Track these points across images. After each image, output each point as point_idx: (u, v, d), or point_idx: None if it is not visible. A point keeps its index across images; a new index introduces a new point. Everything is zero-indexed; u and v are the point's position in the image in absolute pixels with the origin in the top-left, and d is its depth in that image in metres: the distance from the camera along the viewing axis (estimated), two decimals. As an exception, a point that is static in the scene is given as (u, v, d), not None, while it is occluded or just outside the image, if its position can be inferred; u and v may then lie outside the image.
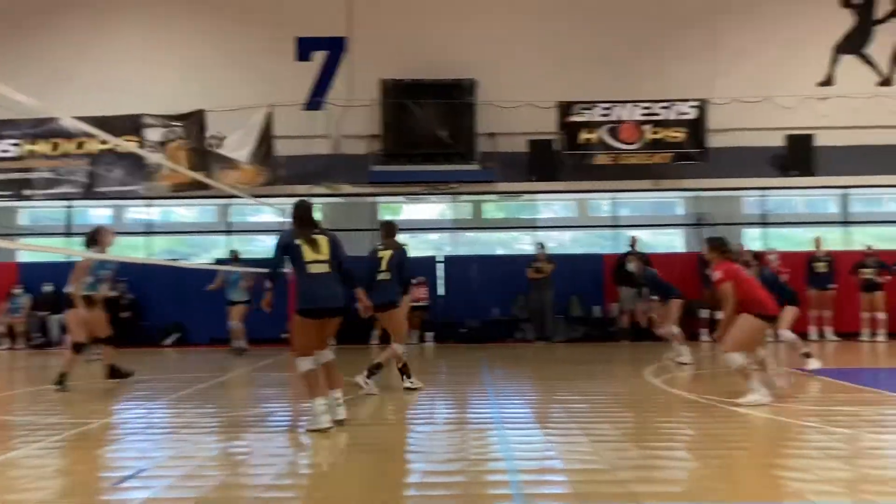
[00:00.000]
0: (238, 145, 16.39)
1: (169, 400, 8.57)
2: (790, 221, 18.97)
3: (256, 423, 7.04)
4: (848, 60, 17.91)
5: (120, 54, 18.03)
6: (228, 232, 18.28)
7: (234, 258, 15.07)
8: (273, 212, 16.52)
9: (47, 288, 16.66)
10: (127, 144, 14.32)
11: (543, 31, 17.85)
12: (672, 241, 18.95)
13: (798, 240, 18.06)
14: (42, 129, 16.86)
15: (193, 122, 17.07)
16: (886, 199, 19.16)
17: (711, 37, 17.74)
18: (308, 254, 6.58)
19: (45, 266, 17.17)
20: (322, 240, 6.69)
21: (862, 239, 17.18)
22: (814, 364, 9.50)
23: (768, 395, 7.47)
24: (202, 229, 18.78)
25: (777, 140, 17.06)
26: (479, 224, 18.69)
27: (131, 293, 16.89)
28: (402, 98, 17.05)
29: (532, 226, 18.00)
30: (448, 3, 18.06)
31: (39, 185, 16.93)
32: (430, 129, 16.96)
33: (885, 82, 17.80)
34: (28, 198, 17.08)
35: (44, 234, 18.85)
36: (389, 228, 9.47)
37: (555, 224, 19.38)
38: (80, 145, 17.07)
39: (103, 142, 16.38)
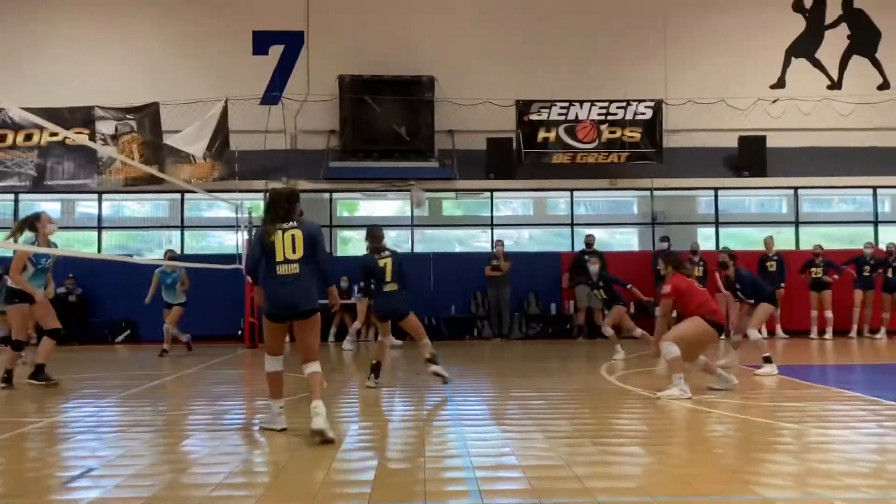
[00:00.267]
0: (193, 139, 16.14)
1: (119, 398, 8.40)
2: (742, 221, 19.35)
3: (209, 421, 6.94)
4: (799, 64, 18.32)
5: (72, 45, 17.66)
6: (182, 227, 17.99)
7: (170, 258, 13.82)
8: (228, 207, 16.31)
9: (-7, 283, 16.21)
10: (78, 137, 14.02)
11: (502, 29, 17.93)
12: (628, 240, 19.18)
13: (750, 239, 18.41)
14: (-12, 119, 16.44)
15: (147, 115, 16.77)
16: (836, 199, 19.63)
17: (666, 39, 17.99)
18: (279, 252, 5.97)
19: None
20: (297, 235, 6.01)
21: (812, 239, 17.59)
22: (767, 370, 9.56)
23: (689, 394, 7.62)
24: (155, 224, 18.46)
25: (730, 141, 17.40)
26: (438, 221, 18.70)
27: (80, 289, 16.52)
28: (360, 94, 16.98)
29: (490, 223, 18.06)
30: (407, 0, 18.04)
31: (-15, 177, 16.51)
32: (388, 125, 16.92)
33: (835, 86, 18.24)
34: (-27, 191, 16.63)
35: (-11, 227, 18.38)
36: (380, 234, 8.96)
37: (512, 222, 19.48)
38: (28, 137, 16.67)
39: (53, 134, 16.03)
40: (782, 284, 15.80)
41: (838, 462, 5.15)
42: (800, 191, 18.08)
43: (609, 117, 17.02)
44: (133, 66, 17.51)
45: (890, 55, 18.21)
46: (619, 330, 12.14)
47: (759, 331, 9.98)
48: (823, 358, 12.54)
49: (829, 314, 15.67)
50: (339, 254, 18.06)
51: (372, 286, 8.83)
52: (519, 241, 19.32)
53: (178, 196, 17.62)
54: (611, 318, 12.07)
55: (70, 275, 16.15)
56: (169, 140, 16.33)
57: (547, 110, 17.00)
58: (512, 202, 19.52)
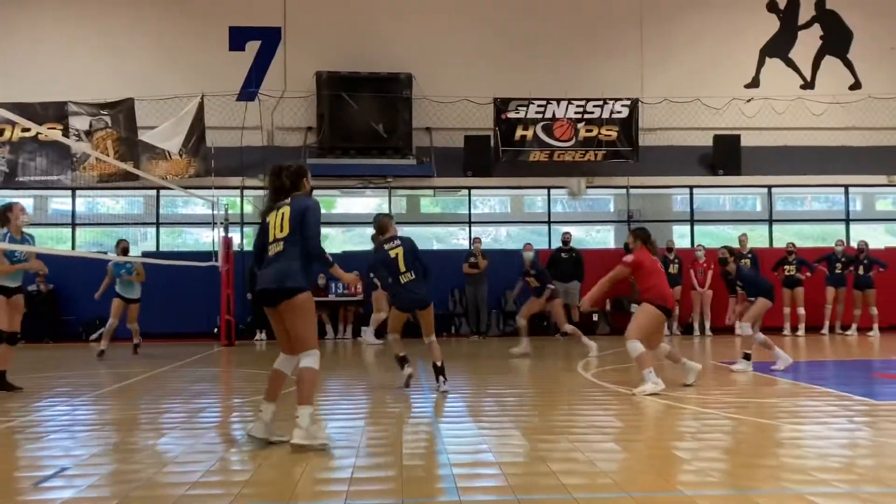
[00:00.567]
0: (169, 135, 16.01)
1: (94, 396, 8.32)
2: (717, 219, 19.56)
3: (185, 419, 6.89)
4: (773, 64, 18.53)
5: (45, 39, 17.44)
6: (157, 224, 17.84)
7: (123, 249, 12.77)
8: (204, 204, 16.19)
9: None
10: (51, 132, 13.84)
11: (480, 27, 17.96)
12: (604, 238, 19.30)
13: (724, 237, 18.61)
14: (-41, 114, 16.17)
15: (122, 110, 16.61)
16: (808, 198, 19.89)
17: (641, 38, 18.12)
18: (271, 232, 5.56)
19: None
20: (286, 212, 5.52)
21: (784, 236, 17.81)
22: (741, 367, 9.65)
23: (662, 385, 7.80)
24: (130, 221, 18.28)
25: (705, 140, 17.57)
26: (415, 219, 18.69)
27: (51, 285, 16.31)
28: (337, 91, 16.92)
29: (468, 221, 18.09)
30: (385, -3, 18.00)
31: (-44, 173, 16.26)
32: (366, 122, 16.88)
33: (808, 86, 18.47)
34: (-57, 186, 16.35)
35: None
36: (387, 223, 8.37)
37: (490, 219, 19.52)
38: (-1, 132, 16.44)
39: (25, 129, 15.82)
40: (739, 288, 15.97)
41: (810, 457, 5.22)
42: (773, 189, 18.29)
43: (586, 116, 17.11)
44: (108, 61, 17.32)
45: (861, 56, 18.47)
46: (560, 325, 12.41)
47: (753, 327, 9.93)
48: (796, 354, 12.69)
49: (801, 311, 15.87)
50: (316, 251, 17.98)
51: (390, 281, 8.37)
52: (496, 238, 19.37)
53: (153, 193, 17.47)
54: (526, 307, 12.49)
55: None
56: (144, 136, 16.19)
57: (524, 108, 17.05)
58: (489, 200, 19.57)
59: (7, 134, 16.42)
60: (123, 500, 4.27)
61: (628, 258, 8.33)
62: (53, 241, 17.29)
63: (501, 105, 17.01)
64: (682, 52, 18.16)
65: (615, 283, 8.47)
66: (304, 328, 5.46)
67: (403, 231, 18.65)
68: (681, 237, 18.13)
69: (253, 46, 17.64)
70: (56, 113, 16.36)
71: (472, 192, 17.99)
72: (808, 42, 18.57)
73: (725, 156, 17.44)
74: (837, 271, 16.09)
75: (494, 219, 19.71)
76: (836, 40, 18.53)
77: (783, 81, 18.33)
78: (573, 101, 17.08)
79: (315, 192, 16.83)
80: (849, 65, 18.55)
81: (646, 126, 17.55)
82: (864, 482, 4.59)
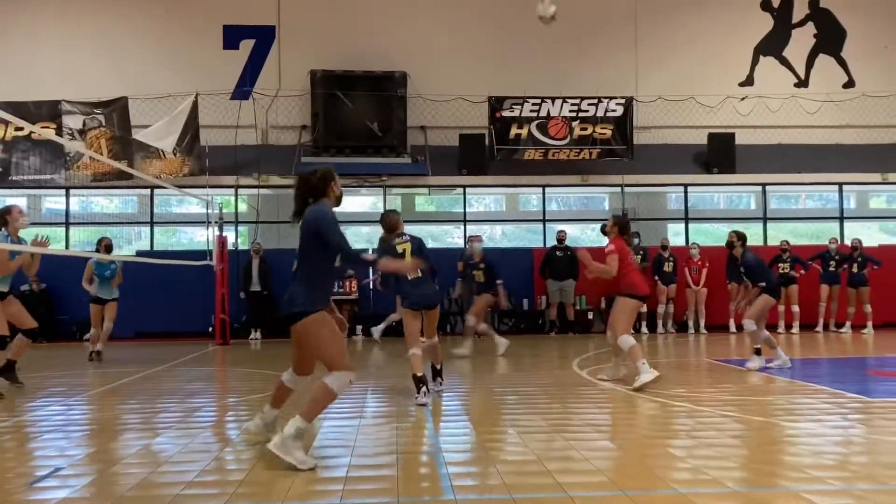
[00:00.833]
0: (163, 134, 15.96)
1: (88, 396, 8.30)
2: (711, 217, 19.59)
3: (180, 419, 6.88)
4: (767, 62, 18.56)
5: (38, 38, 17.37)
6: (152, 223, 17.80)
7: (106, 247, 11.99)
8: (199, 203, 16.16)
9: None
10: (44, 131, 13.78)
11: (475, 26, 17.95)
12: (599, 236, 19.27)
13: (718, 235, 18.64)
14: (-49, 113, 16.11)
15: (116, 109, 16.56)
16: (802, 196, 19.94)
17: (636, 36, 18.14)
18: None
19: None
20: (302, 225, 5.31)
21: (779, 234, 17.85)
22: (754, 364, 9.56)
23: (656, 372, 7.98)
24: (124, 220, 18.24)
25: (700, 138, 17.59)
26: (411, 217, 18.64)
27: (45, 285, 16.25)
28: (332, 89, 16.90)
29: (463, 219, 18.09)
30: (379, -5, 17.97)
31: (-51, 172, 16.20)
32: (360, 121, 16.86)
33: (802, 84, 18.51)
34: (-64, 186, 16.29)
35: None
36: (397, 220, 8.09)
37: (485, 218, 19.52)
38: (-8, 131, 16.38)
39: (18, 128, 15.76)
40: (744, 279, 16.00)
41: (804, 454, 5.24)
42: (767, 187, 18.33)
43: (581, 114, 17.12)
44: (101, 59, 17.27)
45: (855, 54, 18.52)
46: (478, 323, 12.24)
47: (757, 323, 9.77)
48: (790, 352, 12.71)
49: (795, 308, 15.91)
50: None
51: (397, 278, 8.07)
52: (491, 236, 19.38)
53: (147, 191, 17.43)
54: (476, 306, 12.26)
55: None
56: (138, 135, 16.15)
57: (519, 107, 17.05)
58: (484, 198, 19.58)
59: (0, 133, 16.36)
60: (118, 500, 4.27)
61: (611, 247, 8.45)
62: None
63: (496, 103, 17.01)
64: (677, 50, 18.19)
65: (612, 270, 8.42)
66: (323, 350, 5.10)
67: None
68: (675, 235, 18.16)
69: (247, 45, 17.60)
70: (49, 112, 16.30)
71: (467, 190, 17.99)
72: (801, 40, 18.61)
73: (720, 154, 17.47)
74: (831, 269, 16.13)
75: (489, 217, 19.71)
76: (830, 39, 18.58)
77: (777, 80, 18.37)
78: (568, 100, 17.09)
79: None
80: (842, 63, 18.60)
81: (640, 124, 17.57)
82: (858, 479, 4.60)
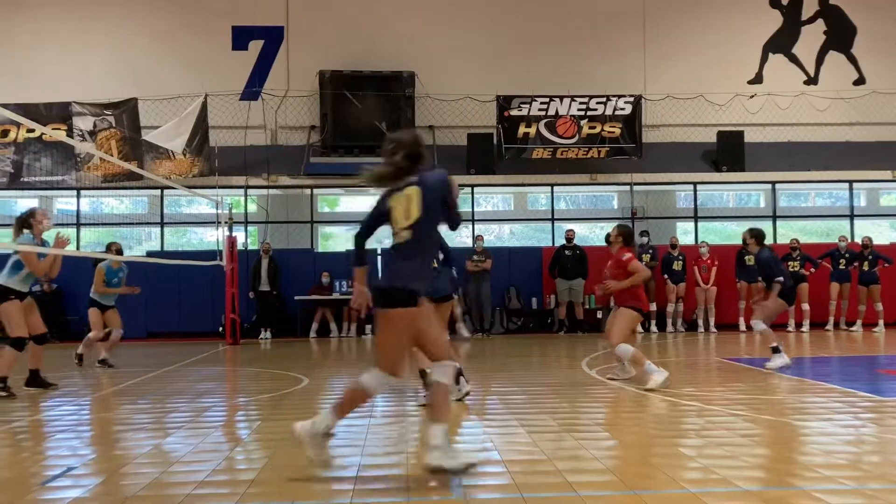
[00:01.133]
0: (172, 135, 16.03)
1: (99, 396, 8.34)
2: (721, 215, 19.53)
3: (191, 418, 6.91)
4: (776, 59, 18.49)
5: (48, 40, 17.48)
6: (162, 224, 17.87)
7: (117, 252, 11.47)
8: (208, 203, 16.22)
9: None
10: (55, 133, 13.86)
11: (482, 25, 17.96)
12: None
13: (728, 233, 18.58)
14: (-37, 116, 16.22)
15: (126, 110, 16.64)
16: (812, 194, 19.85)
17: (645, 34, 18.11)
18: (395, 220, 4.77)
19: (-33, 258, 16.47)
20: (413, 194, 4.67)
21: (789, 233, 17.78)
22: (776, 363, 9.27)
23: (665, 371, 7.94)
24: (135, 221, 18.32)
25: (709, 136, 17.54)
26: (419, 217, 18.65)
27: (56, 286, 16.33)
28: (340, 89, 16.94)
29: (471, 219, 18.08)
30: (387, -5, 17.99)
31: (-39, 174, 16.31)
32: (368, 121, 16.88)
33: (811, 81, 18.43)
34: (-51, 187, 16.41)
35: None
36: None
37: (493, 217, 19.51)
38: (4, 133, 16.49)
39: (30, 130, 15.85)
40: (760, 278, 15.93)
41: (815, 454, 5.22)
42: (777, 185, 18.26)
43: (589, 113, 17.10)
44: (111, 61, 17.35)
45: (866, 51, 18.42)
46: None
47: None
48: (800, 350, 12.68)
49: (805, 307, 15.84)
50: (319, 249, 18.05)
51: None
52: (500, 235, 19.37)
53: (157, 192, 17.50)
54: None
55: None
56: (148, 136, 16.22)
57: (527, 106, 17.04)
58: (492, 197, 19.57)
59: (12, 135, 16.46)
60: (130, 500, 4.29)
61: (628, 255, 8.36)
62: (51, 242, 17.30)
63: (504, 102, 17.01)
64: (686, 48, 18.13)
65: (639, 278, 8.29)
66: (429, 336, 4.67)
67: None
68: (684, 234, 18.11)
69: (256, 46, 17.66)
70: (60, 113, 16.39)
71: (475, 189, 17.99)
72: (811, 37, 18.53)
73: (729, 152, 17.42)
74: (841, 267, 16.06)
75: (498, 216, 19.71)
76: (840, 35, 18.49)
77: (787, 77, 18.30)
78: (576, 98, 17.07)
79: (318, 190, 16.27)
80: (853, 60, 18.51)
81: (649, 123, 17.53)
82: (870, 479, 4.58)
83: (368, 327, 16.17)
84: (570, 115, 17.07)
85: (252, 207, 17.73)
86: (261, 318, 16.07)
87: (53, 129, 15.32)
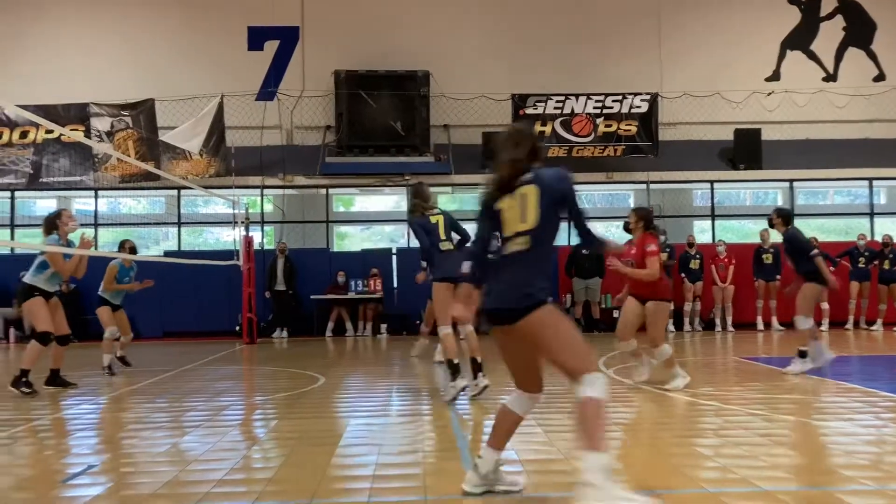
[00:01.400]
0: (189, 135, 16.13)
1: (118, 395, 8.40)
2: (738, 214, 19.39)
3: (209, 417, 6.94)
4: (794, 56, 18.33)
5: (66, 41, 17.62)
6: (179, 224, 17.98)
7: (130, 250, 11.15)
8: (225, 203, 16.30)
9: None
10: (73, 134, 13.96)
11: (497, 23, 17.92)
12: (624, 233, 19.18)
13: (745, 231, 18.44)
14: (-16, 117, 16.41)
15: (143, 111, 16.75)
16: (831, 192, 19.67)
17: (661, 31, 18.01)
18: (508, 225, 4.17)
19: (-13, 258, 16.66)
20: (530, 194, 4.14)
21: (807, 231, 17.60)
22: (797, 367, 8.74)
23: (687, 377, 7.85)
24: (152, 221, 18.44)
25: (726, 134, 17.42)
26: (434, 216, 18.66)
27: (75, 286, 16.43)
28: (355, 89, 16.96)
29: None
30: (402, -6, 17.99)
31: (-19, 175, 16.49)
32: (383, 120, 16.90)
33: (830, 78, 18.26)
34: (-31, 188, 16.58)
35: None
36: (426, 192, 7.86)
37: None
38: (24, 134, 16.64)
39: (49, 131, 15.99)
40: (778, 277, 15.84)
41: (836, 454, 5.17)
42: (795, 183, 18.11)
43: (605, 111, 17.03)
44: (128, 62, 17.46)
45: (885, 46, 18.23)
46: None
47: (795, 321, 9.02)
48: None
49: (825, 306, 15.69)
50: (335, 249, 18.10)
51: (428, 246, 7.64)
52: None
53: (174, 192, 17.61)
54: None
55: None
56: (165, 136, 16.32)
57: (543, 104, 17.00)
58: (508, 196, 19.51)
59: (31, 136, 16.62)
60: (148, 498, 4.32)
61: (653, 247, 7.89)
62: (76, 241, 17.45)
63: (519, 101, 16.97)
64: (702, 45, 18.02)
65: (654, 277, 7.89)
66: (566, 349, 4.00)
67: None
68: (701, 232, 18.00)
69: (271, 46, 17.72)
70: (78, 114, 16.53)
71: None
72: (830, 34, 18.36)
73: (746, 150, 17.29)
74: (861, 266, 15.91)
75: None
76: (860, 31, 18.31)
77: (805, 74, 18.14)
78: (592, 96, 17.00)
79: (334, 190, 16.17)
80: (872, 56, 18.32)
81: (665, 120, 17.43)
82: (892, 479, 4.53)
83: (384, 327, 16.22)
84: (586, 114, 17.00)
85: (268, 207, 17.80)
86: (276, 317, 16.13)
87: (71, 129, 15.44)
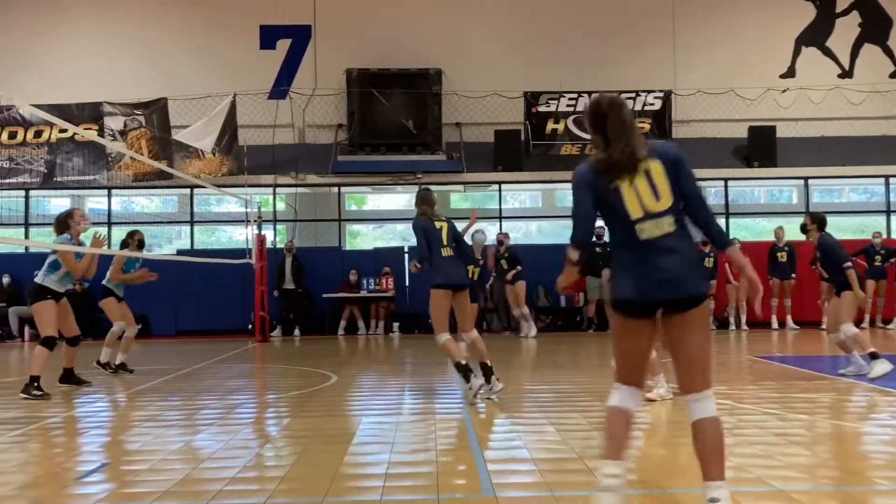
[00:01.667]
0: (202, 134, 16.17)
1: (130, 393, 8.44)
2: (752, 212, 19.26)
3: (221, 415, 6.95)
4: (809, 53, 18.20)
5: (80, 41, 17.72)
6: (192, 222, 18.04)
7: (139, 245, 10.83)
8: (237, 202, 16.34)
9: (5, 279, 16.27)
10: (87, 133, 14.03)
11: (510, 21, 17.88)
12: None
13: (760, 230, 18.32)
14: (-1, 116, 16.51)
15: (156, 110, 16.81)
16: (846, 189, 19.51)
17: (674, 28, 17.93)
18: (633, 206, 3.71)
19: (2, 257, 16.76)
20: (656, 169, 3.72)
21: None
22: (879, 370, 7.88)
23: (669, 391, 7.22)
24: (165, 220, 18.52)
25: (740, 131, 17.31)
26: (446, 214, 18.57)
27: (87, 284, 16.50)
28: (367, 87, 16.96)
29: (498, 216, 18.03)
30: (414, -8, 17.99)
31: (-4, 173, 16.60)
32: (395, 118, 16.91)
33: (846, 74, 18.11)
34: (-16, 187, 16.68)
35: (0, 224, 18.42)
36: (433, 199, 8.02)
37: (521, 214, 19.43)
38: (38, 133, 16.74)
39: (62, 130, 16.08)
40: (793, 275, 15.73)
41: (851, 454, 5.12)
42: (810, 181, 17.97)
43: (618, 108, 16.94)
44: (141, 61, 17.54)
45: (902, 43, 18.07)
46: None
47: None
48: (835, 349, 12.47)
49: (840, 304, 15.56)
50: (347, 247, 18.11)
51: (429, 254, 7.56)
52: (527, 233, 19.29)
53: (187, 191, 17.67)
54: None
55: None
56: (177, 135, 16.37)
57: (555, 101, 16.94)
58: (520, 194, 19.49)
59: (45, 135, 16.71)
60: (162, 496, 4.32)
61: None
62: (90, 241, 17.54)
63: (532, 99, 16.92)
64: (716, 42, 17.91)
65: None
66: (709, 346, 3.67)
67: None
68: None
69: (284, 45, 17.75)
70: (91, 113, 16.61)
71: (503, 186, 17.91)
72: (846, 30, 18.21)
73: (760, 147, 17.17)
74: (877, 264, 15.76)
75: (525, 213, 19.62)
76: (876, 27, 18.15)
77: (820, 71, 17.99)
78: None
79: (346, 189, 16.15)
80: (889, 52, 18.16)
81: (679, 118, 17.34)
82: (909, 479, 4.49)
83: (396, 325, 16.21)
84: (599, 111, 16.93)
85: (280, 206, 17.84)
86: (284, 315, 16.16)
87: (85, 129, 15.53)
